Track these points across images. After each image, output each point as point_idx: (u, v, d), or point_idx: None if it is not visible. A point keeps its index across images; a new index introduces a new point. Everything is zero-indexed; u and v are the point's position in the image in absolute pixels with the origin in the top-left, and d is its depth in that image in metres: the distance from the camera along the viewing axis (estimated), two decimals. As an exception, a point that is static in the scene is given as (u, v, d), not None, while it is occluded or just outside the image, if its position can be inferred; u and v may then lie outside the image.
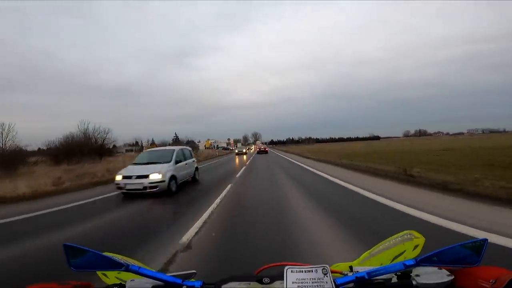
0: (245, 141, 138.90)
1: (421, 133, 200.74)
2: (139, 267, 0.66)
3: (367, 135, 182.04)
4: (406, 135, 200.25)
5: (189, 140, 73.24)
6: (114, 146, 35.19)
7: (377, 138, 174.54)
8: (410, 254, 0.81)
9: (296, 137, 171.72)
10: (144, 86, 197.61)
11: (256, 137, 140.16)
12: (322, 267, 0.65)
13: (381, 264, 0.76)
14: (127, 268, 0.64)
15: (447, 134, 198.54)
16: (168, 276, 0.68)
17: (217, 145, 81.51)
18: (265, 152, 39.34)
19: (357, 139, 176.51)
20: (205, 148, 50.08)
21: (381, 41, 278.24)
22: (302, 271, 0.65)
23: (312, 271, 0.65)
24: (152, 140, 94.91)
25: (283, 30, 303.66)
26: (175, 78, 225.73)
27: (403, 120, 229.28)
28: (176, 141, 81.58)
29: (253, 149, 68.76)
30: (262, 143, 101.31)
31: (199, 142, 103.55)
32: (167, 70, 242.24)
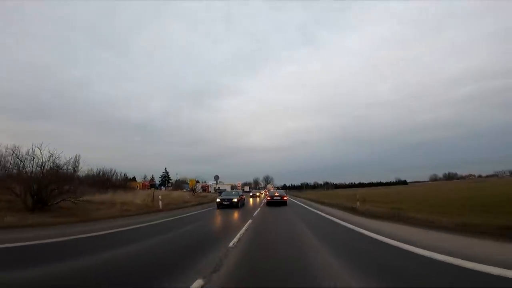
0: (256, 185, 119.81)
1: (450, 177, 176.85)
2: None
3: (391, 180, 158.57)
4: (433, 179, 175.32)
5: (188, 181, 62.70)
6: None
7: (404, 182, 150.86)
8: None
9: (311, 182, 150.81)
10: (164, 124, 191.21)
11: (267, 180, 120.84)
12: None
13: None
14: None
15: (480, 176, 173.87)
16: None
17: (218, 188, 63.37)
18: (282, 202, 20.94)
19: (381, 184, 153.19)
20: (190, 190, 32.05)
21: (393, 81, 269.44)
22: None
23: None
24: (152, 176, 78.94)
25: (298, 73, 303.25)
26: (194, 118, 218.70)
27: (427, 163, 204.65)
28: (166, 177, 65.24)
29: (263, 195, 49.83)
30: (274, 187, 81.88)
31: (204, 182, 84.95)
32: (187, 109, 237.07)
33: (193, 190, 30.82)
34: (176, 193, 31.16)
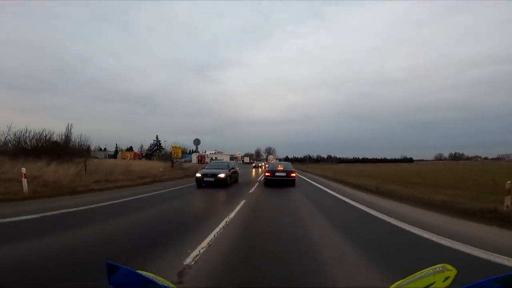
0: (258, 156, 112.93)
1: (456, 157, 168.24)
2: None
3: (397, 157, 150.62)
4: (439, 158, 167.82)
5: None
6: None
7: (410, 160, 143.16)
8: (440, 285, 0.71)
9: (313, 155, 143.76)
10: (166, 96, 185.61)
11: (269, 152, 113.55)
12: None
13: None
14: None
15: (486, 158, 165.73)
16: None
17: (215, 158, 56.87)
18: (288, 181, 12.89)
19: (385, 160, 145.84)
20: (171, 158, 24.28)
21: (403, 60, 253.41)
22: None
23: None
24: (150, 146, 72.40)
25: (303, 47, 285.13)
26: (195, 90, 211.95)
27: (431, 143, 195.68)
28: (157, 145, 57.84)
29: (262, 167, 42.43)
30: (276, 158, 74.44)
31: (205, 152, 78.98)
32: (189, 82, 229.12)
33: (171, 161, 22.94)
34: (149, 164, 23.48)
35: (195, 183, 11.89)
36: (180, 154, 29.27)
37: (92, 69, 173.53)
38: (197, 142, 17.72)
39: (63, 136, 17.61)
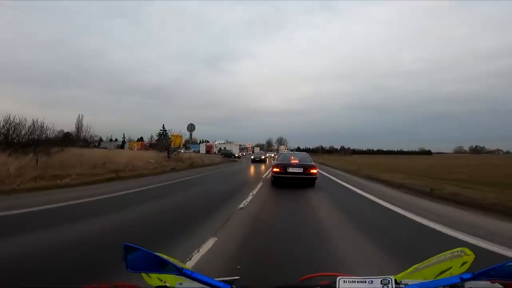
0: (269, 147, 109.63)
1: (477, 150, 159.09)
2: (192, 272, 0.62)
3: (413, 149, 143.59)
4: (458, 151, 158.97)
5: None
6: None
7: (428, 153, 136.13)
8: (457, 271, 0.69)
9: (326, 146, 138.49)
10: (178, 88, 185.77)
11: (281, 142, 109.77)
12: (382, 278, 0.57)
13: (425, 279, 0.66)
14: (181, 272, 0.61)
15: (508, 152, 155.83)
16: (217, 281, 0.64)
17: (223, 148, 54.18)
18: (306, 179, 9.19)
19: (402, 152, 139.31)
20: (168, 148, 21.29)
21: (420, 52, 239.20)
22: (355, 282, 0.58)
23: (366, 282, 0.57)
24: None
25: (315, 38, 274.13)
26: (207, 82, 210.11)
27: (449, 135, 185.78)
28: (164, 135, 55.85)
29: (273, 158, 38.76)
30: (288, 149, 70.72)
31: (215, 142, 75.98)
32: (201, 74, 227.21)
33: (168, 151, 19.83)
34: (141, 154, 20.60)
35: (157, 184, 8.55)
36: (178, 143, 26.37)
37: (106, 63, 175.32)
38: (190, 128, 14.40)
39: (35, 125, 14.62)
